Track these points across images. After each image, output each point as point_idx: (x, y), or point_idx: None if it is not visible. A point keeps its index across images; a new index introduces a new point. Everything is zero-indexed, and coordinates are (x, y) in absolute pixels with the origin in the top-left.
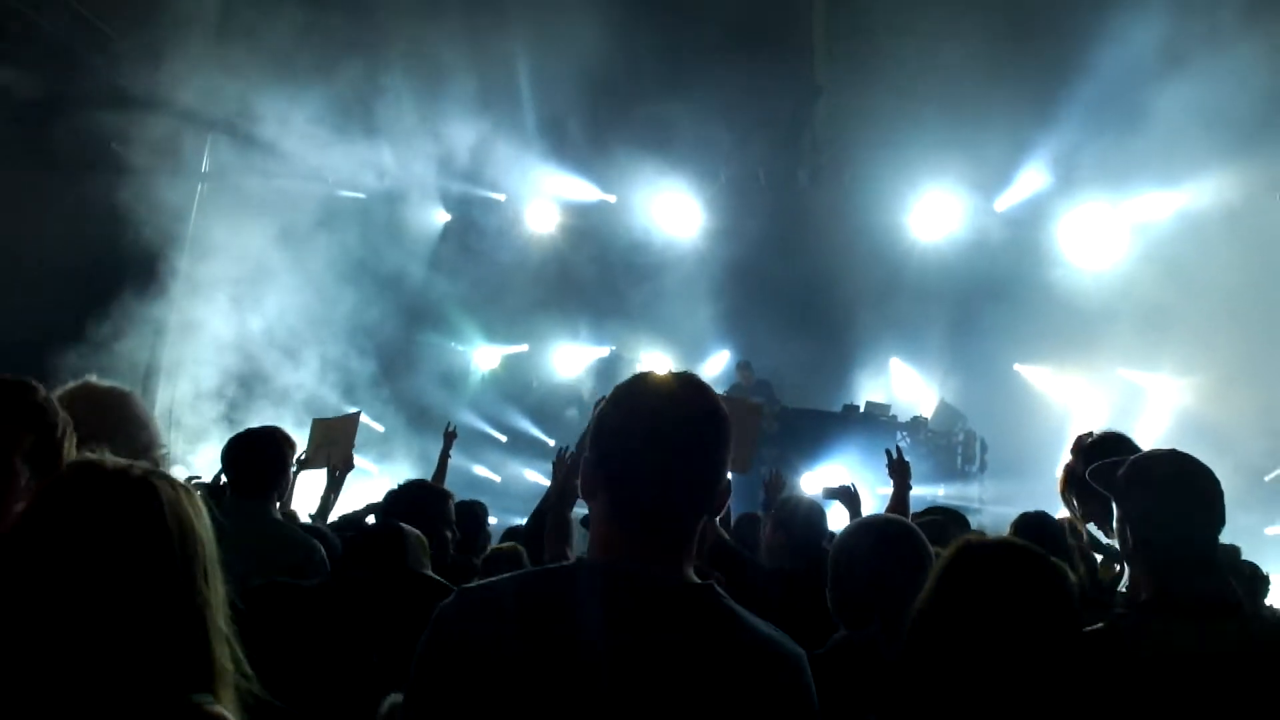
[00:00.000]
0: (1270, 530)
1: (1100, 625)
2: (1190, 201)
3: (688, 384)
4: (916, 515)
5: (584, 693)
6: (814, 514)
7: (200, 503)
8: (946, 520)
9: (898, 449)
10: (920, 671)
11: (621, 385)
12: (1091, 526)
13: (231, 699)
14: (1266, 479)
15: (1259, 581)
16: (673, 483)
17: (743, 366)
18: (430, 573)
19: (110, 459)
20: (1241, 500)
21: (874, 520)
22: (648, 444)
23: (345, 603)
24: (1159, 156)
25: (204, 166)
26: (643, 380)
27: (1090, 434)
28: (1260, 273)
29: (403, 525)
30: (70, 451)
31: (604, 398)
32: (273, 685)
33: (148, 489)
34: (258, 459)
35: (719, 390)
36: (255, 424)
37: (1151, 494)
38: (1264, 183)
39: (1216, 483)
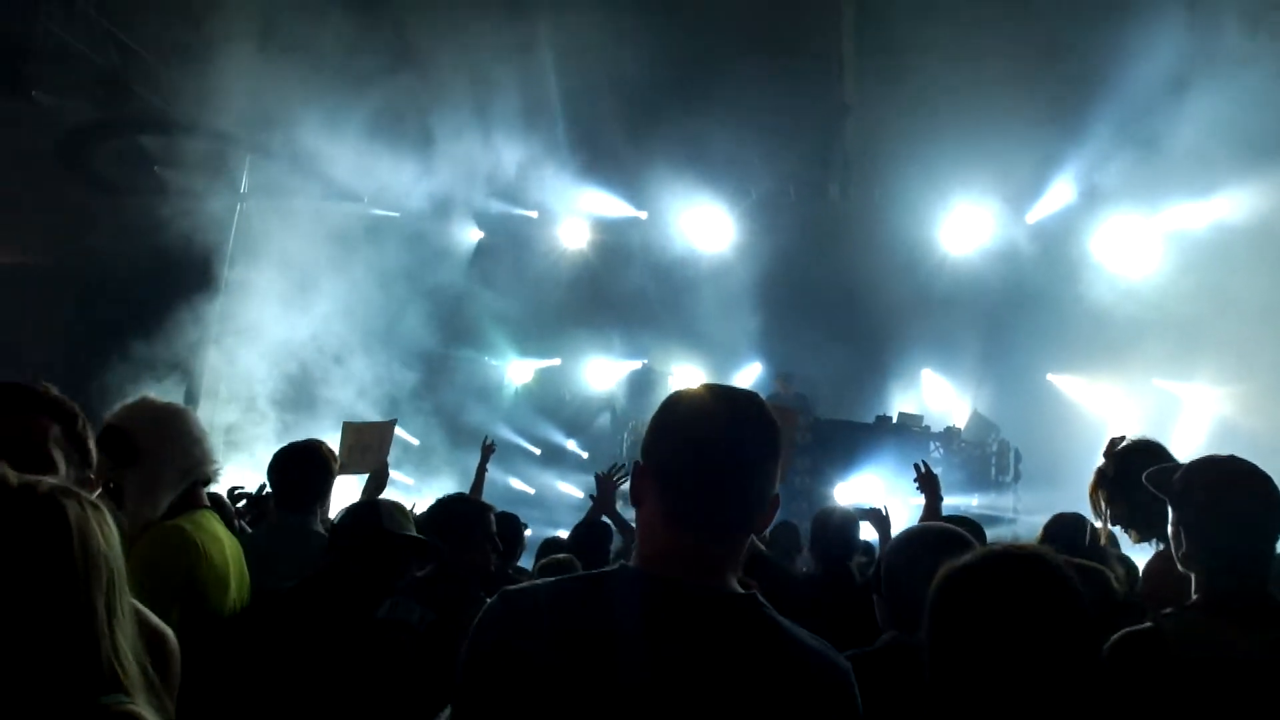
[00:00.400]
0: None
1: (1147, 625)
2: (1223, 212)
3: (744, 397)
4: None
5: (625, 701)
6: (847, 524)
7: (109, 520)
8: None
9: (924, 463)
10: (944, 698)
11: (677, 394)
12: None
13: (146, 699)
14: None
15: None
16: (726, 495)
17: (783, 377)
18: (412, 533)
19: (15, 474)
20: None
21: (930, 528)
22: (703, 455)
23: (329, 587)
24: (1190, 168)
25: (243, 187)
26: (699, 391)
27: (1123, 437)
28: None
29: (380, 500)
30: (92, 445)
31: (635, 420)
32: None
33: (53, 506)
34: (301, 472)
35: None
36: (293, 438)
37: (1209, 497)
38: None
39: (1275, 487)
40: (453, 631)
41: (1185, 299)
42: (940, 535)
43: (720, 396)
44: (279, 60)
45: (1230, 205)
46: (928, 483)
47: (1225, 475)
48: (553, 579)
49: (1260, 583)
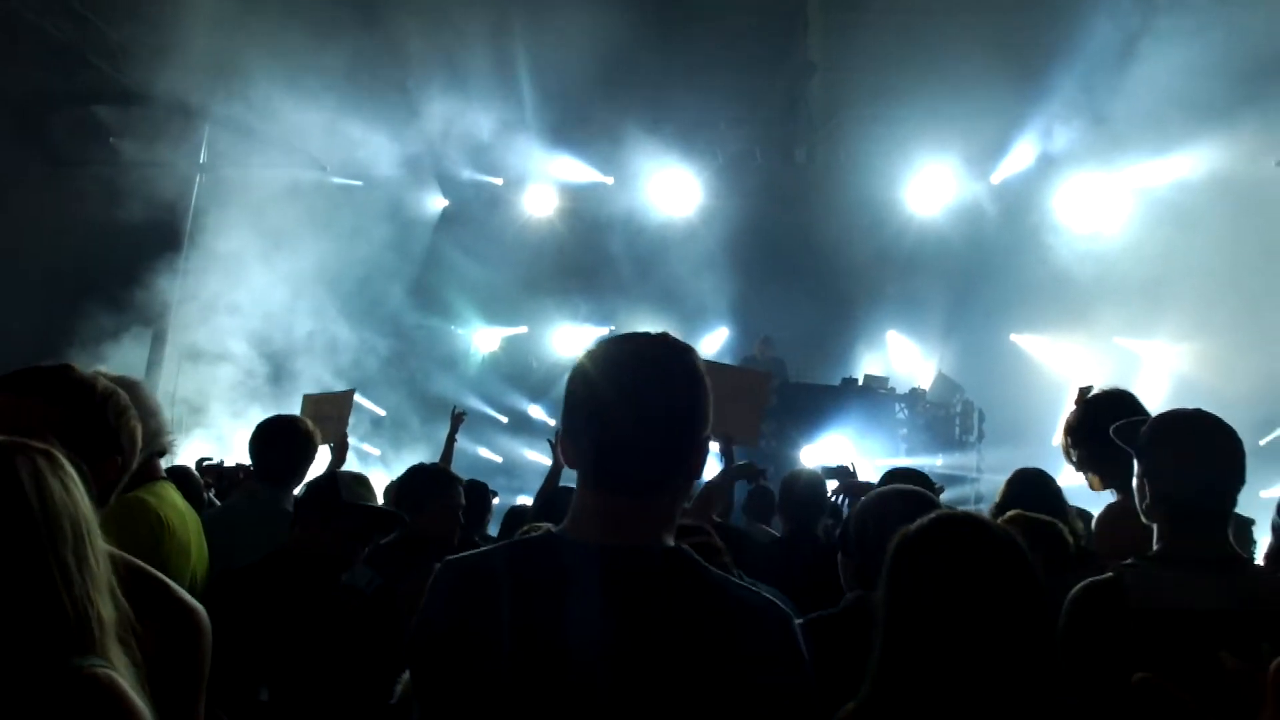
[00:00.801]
0: (1266, 493)
1: (1108, 575)
2: (1185, 169)
3: (659, 344)
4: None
5: (551, 664)
6: (814, 486)
7: (69, 470)
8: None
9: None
10: (895, 664)
11: (588, 351)
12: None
13: (120, 653)
14: (1262, 443)
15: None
16: (634, 451)
17: (763, 341)
18: (373, 504)
19: None
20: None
21: (898, 488)
22: (606, 412)
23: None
24: (1149, 126)
25: (202, 158)
26: (612, 342)
27: (1091, 387)
28: (1254, 238)
29: (338, 471)
30: (131, 428)
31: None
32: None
33: (3, 458)
34: (281, 445)
35: (733, 362)
36: (256, 410)
37: (1174, 449)
38: (1257, 148)
39: (1239, 441)
40: (398, 596)
41: (1145, 258)
42: (910, 497)
43: (624, 349)
44: (237, 27)
45: (1189, 163)
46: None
47: (1190, 428)
48: (494, 546)
49: (1221, 534)
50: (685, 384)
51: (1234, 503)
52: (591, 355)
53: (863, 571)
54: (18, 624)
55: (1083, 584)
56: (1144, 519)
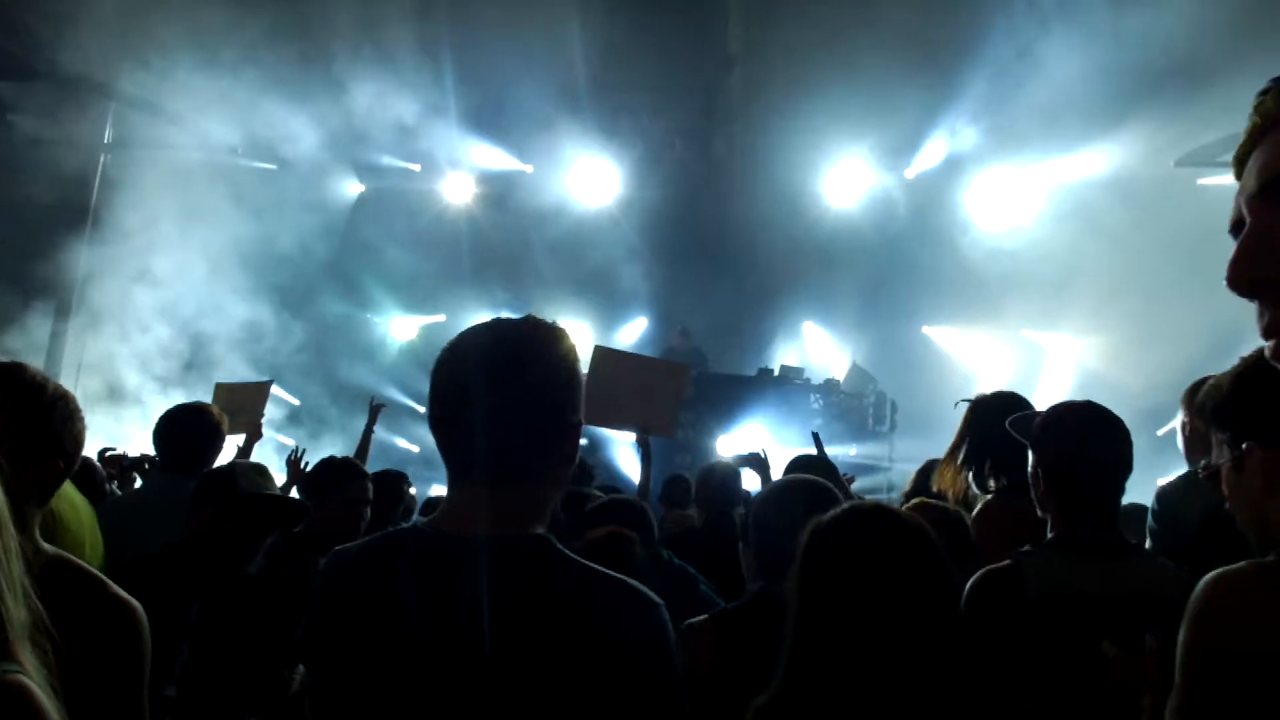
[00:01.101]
0: (1162, 481)
1: (1006, 563)
2: (1088, 168)
3: (516, 329)
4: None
5: (427, 653)
6: (729, 478)
7: None
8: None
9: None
10: (799, 639)
11: (454, 338)
12: None
13: (30, 652)
14: (1160, 433)
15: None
16: (496, 436)
17: (682, 331)
18: (273, 494)
19: None
20: (1137, 454)
21: (797, 479)
22: (466, 389)
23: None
24: (1057, 125)
25: (107, 137)
26: (471, 331)
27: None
28: (1154, 236)
29: (235, 461)
30: (76, 433)
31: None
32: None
33: None
34: (189, 434)
35: (654, 354)
36: (164, 400)
37: (1066, 440)
38: (1156, 149)
39: (1126, 431)
40: (279, 583)
41: (1051, 253)
42: (807, 487)
43: (479, 337)
44: (146, 2)
45: (1092, 163)
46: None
47: (1081, 420)
48: (372, 536)
49: (1112, 521)
50: (541, 369)
51: (1122, 491)
52: (450, 344)
53: (764, 562)
54: None
55: (982, 571)
56: (1038, 509)
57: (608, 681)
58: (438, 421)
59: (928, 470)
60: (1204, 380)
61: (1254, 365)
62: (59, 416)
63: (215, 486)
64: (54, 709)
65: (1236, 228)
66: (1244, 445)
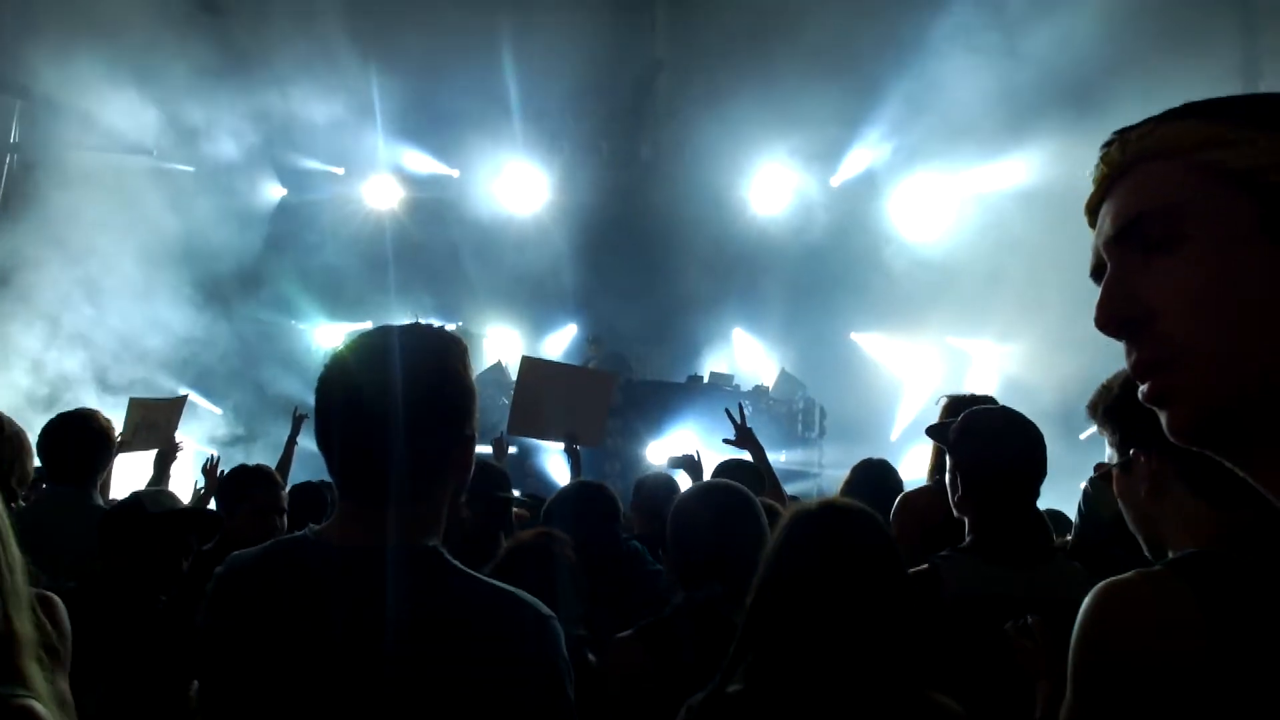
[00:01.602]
0: (1084, 484)
1: (924, 566)
2: (1010, 176)
3: (411, 336)
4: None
5: (309, 665)
6: (660, 490)
7: None
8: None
9: (740, 411)
10: (767, 629)
11: (342, 345)
12: None
13: (38, 671)
14: (1082, 437)
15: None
16: (375, 453)
17: (594, 340)
18: (179, 508)
19: None
20: (1058, 459)
21: (712, 485)
22: (355, 401)
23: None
24: (981, 134)
25: (13, 136)
26: (356, 339)
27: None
28: (1072, 245)
29: (136, 491)
30: (26, 470)
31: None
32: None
33: None
34: (75, 443)
35: (573, 363)
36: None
37: (980, 444)
38: (1075, 157)
39: (1039, 435)
40: (187, 606)
41: (974, 260)
42: (721, 492)
43: (361, 347)
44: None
45: (1016, 169)
46: (744, 439)
47: (995, 425)
48: (261, 546)
49: (1024, 524)
50: (432, 381)
51: (1036, 494)
52: (336, 354)
53: (681, 571)
54: None
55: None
56: (955, 512)
57: (493, 696)
58: (324, 435)
59: (861, 469)
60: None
61: None
62: (11, 450)
63: (123, 515)
64: None
65: (1097, 272)
66: (1130, 450)
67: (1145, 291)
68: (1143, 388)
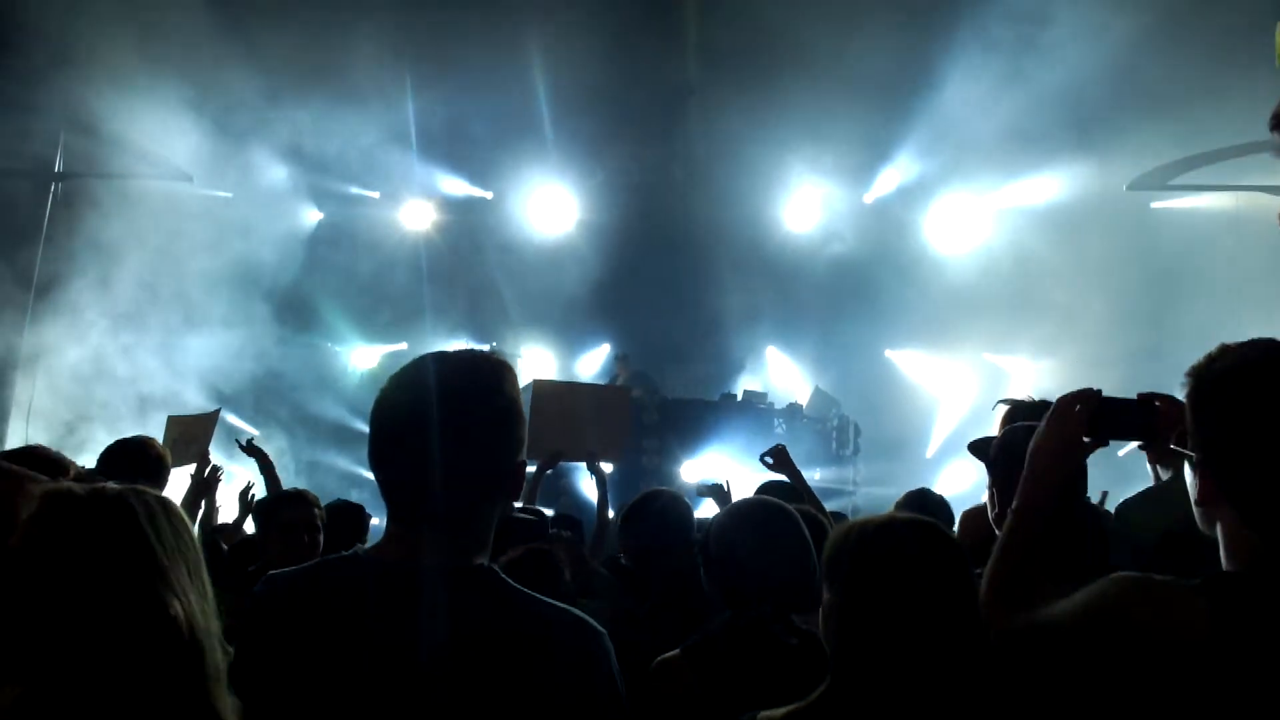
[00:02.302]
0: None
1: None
2: (1044, 193)
3: (462, 362)
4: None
5: (364, 680)
6: (669, 510)
7: (182, 515)
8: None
9: (772, 453)
10: (853, 653)
11: (400, 372)
12: None
13: (227, 697)
14: (1120, 454)
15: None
16: (432, 464)
17: (621, 359)
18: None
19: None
20: (1094, 479)
21: (753, 501)
22: (407, 426)
23: None
24: (1014, 151)
25: (58, 166)
26: (408, 368)
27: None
28: (1104, 259)
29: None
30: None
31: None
32: None
33: (124, 505)
34: (132, 468)
35: (600, 382)
36: (119, 435)
37: (1018, 462)
38: (1111, 171)
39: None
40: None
41: (1008, 276)
42: (758, 509)
43: (414, 378)
44: (97, 25)
45: (1048, 188)
46: (780, 463)
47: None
48: (312, 563)
49: (1063, 542)
50: (488, 410)
51: (1077, 513)
52: (394, 380)
53: (725, 590)
54: (147, 669)
55: None
56: (995, 528)
57: (557, 710)
58: (380, 459)
59: (906, 502)
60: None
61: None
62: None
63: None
64: None
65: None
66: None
67: None
68: None
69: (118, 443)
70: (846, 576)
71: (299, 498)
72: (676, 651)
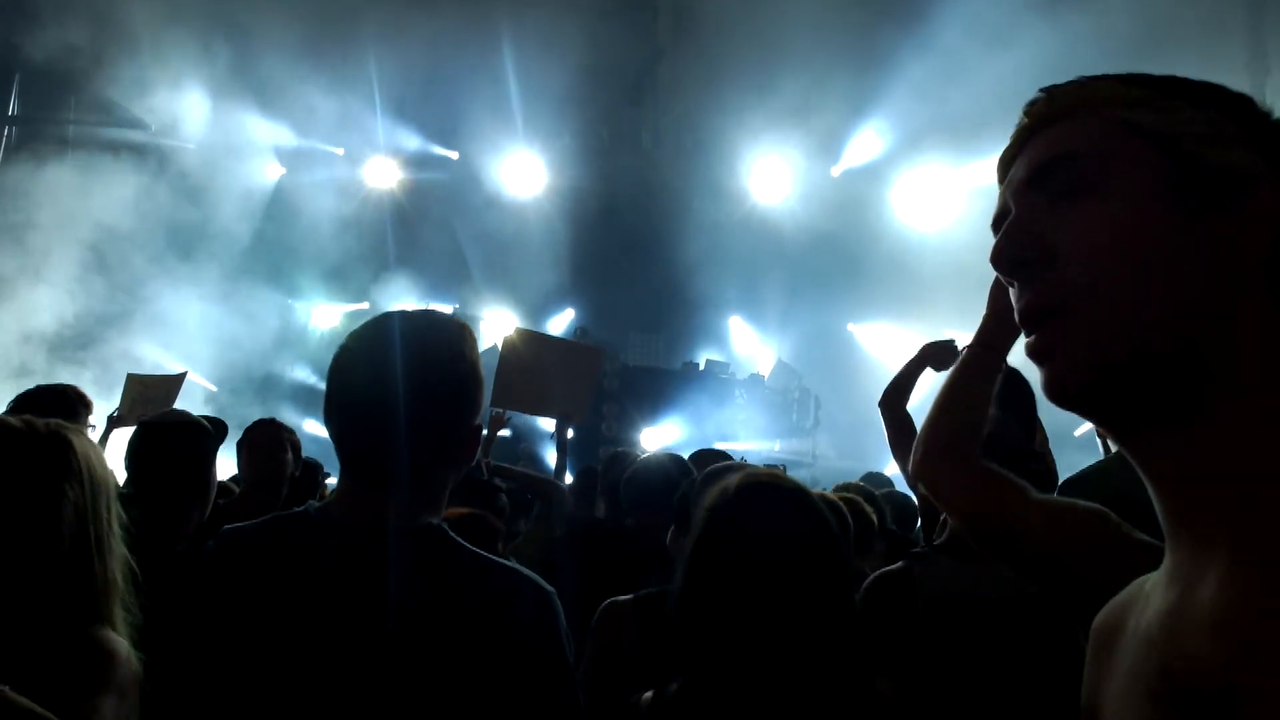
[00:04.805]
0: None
1: (899, 565)
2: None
3: (424, 322)
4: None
5: (322, 637)
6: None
7: (98, 447)
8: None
9: None
10: (697, 622)
11: (358, 330)
12: None
13: (122, 617)
14: (1076, 434)
15: None
16: (391, 424)
17: (580, 332)
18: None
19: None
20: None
21: (732, 467)
22: (368, 384)
23: None
24: (985, 124)
25: (12, 109)
26: (380, 319)
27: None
28: None
29: None
30: None
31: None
32: None
33: (61, 441)
34: (50, 412)
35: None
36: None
37: None
38: None
39: (1023, 416)
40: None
41: (973, 251)
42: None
43: (371, 335)
44: None
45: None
46: None
47: None
48: (264, 518)
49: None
50: (446, 371)
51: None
52: (352, 338)
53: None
54: (50, 592)
55: (876, 573)
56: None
57: (496, 666)
58: (337, 416)
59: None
60: None
61: None
62: None
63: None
64: (138, 672)
65: (999, 221)
66: None
67: (1050, 234)
68: (1030, 339)
69: (34, 390)
70: (689, 544)
71: (267, 420)
72: (629, 596)
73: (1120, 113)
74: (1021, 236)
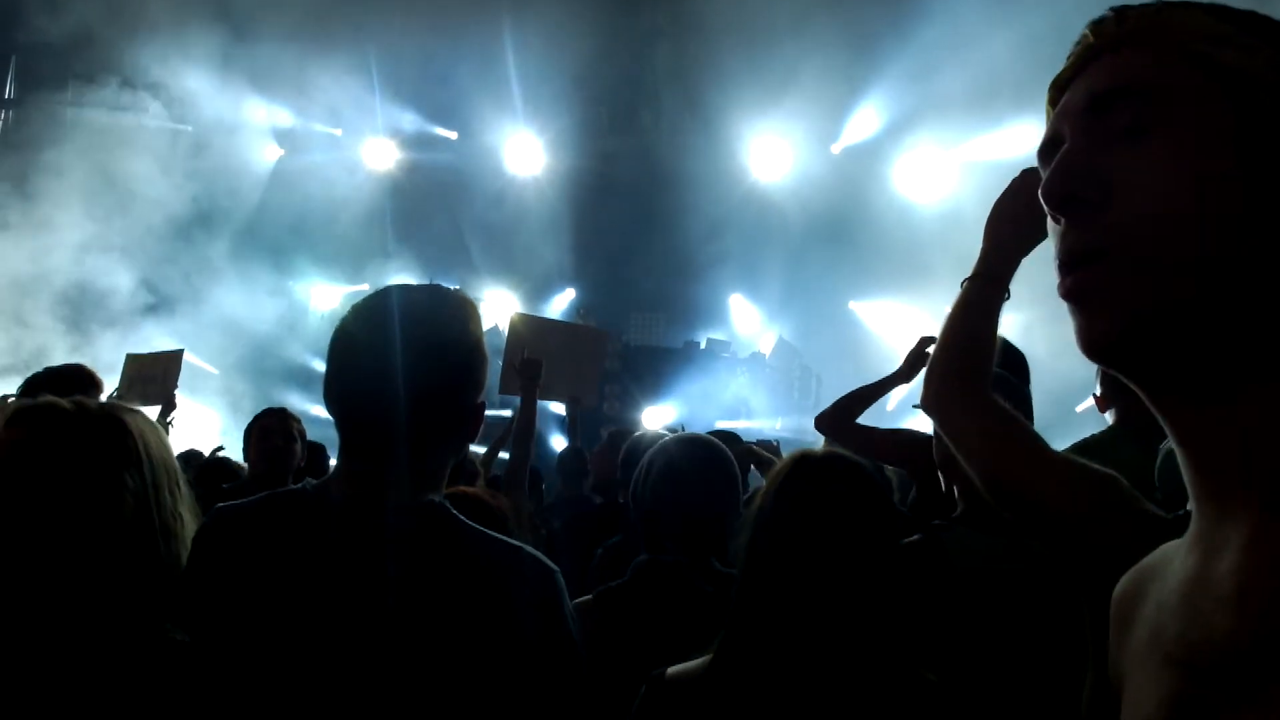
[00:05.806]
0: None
1: (917, 537)
2: (1016, 143)
3: (426, 297)
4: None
5: (322, 615)
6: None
7: (160, 430)
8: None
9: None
10: (752, 600)
11: (358, 305)
12: None
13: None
14: (1078, 409)
15: None
16: (393, 402)
17: (582, 312)
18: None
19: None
20: (1054, 429)
21: (683, 438)
22: (369, 360)
23: None
24: (987, 99)
25: (9, 92)
26: (381, 293)
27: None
28: None
29: None
30: None
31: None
32: None
33: (116, 423)
34: (65, 392)
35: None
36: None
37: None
38: None
39: (1022, 392)
40: None
41: (974, 229)
42: (694, 445)
43: (368, 304)
44: None
45: (1019, 136)
46: None
47: None
48: (262, 495)
49: None
50: (449, 349)
51: None
52: (353, 313)
53: (645, 533)
54: (115, 588)
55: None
56: (942, 479)
57: (498, 643)
58: (338, 393)
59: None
60: None
61: None
62: None
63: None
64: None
65: (1047, 149)
66: None
67: (1107, 171)
68: (1066, 280)
69: (45, 371)
70: (752, 517)
71: (278, 409)
72: (590, 596)
73: (1192, 45)
74: (1080, 170)
